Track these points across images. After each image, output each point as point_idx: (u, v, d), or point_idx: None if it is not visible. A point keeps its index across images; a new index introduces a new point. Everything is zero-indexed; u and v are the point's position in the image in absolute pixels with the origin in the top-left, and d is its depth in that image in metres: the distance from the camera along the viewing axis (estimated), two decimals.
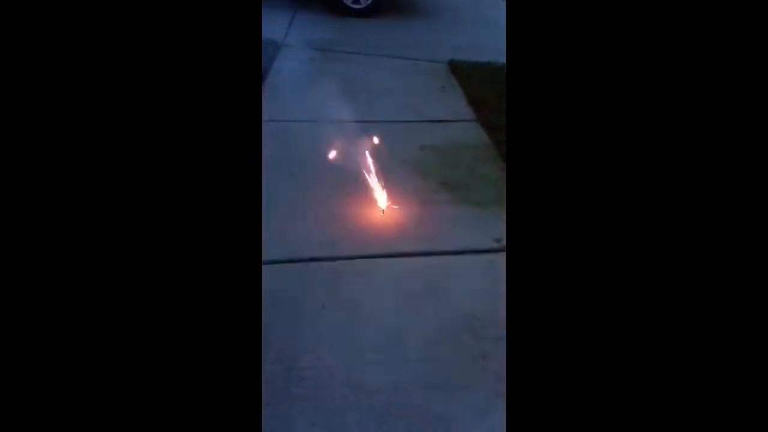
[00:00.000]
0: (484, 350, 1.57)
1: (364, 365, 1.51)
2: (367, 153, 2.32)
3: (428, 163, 2.56)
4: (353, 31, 4.56)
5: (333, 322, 1.64)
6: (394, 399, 1.42)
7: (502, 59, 3.23)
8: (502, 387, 1.41)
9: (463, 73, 3.66)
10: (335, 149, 2.44)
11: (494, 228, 2.06)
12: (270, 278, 1.39)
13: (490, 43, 3.95)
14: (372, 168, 2.26)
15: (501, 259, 1.92)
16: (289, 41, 4.09)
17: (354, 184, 2.27)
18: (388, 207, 2.18)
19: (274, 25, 4.19)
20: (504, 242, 1.97)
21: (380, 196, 2.19)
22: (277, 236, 1.86)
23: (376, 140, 2.50)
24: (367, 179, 2.25)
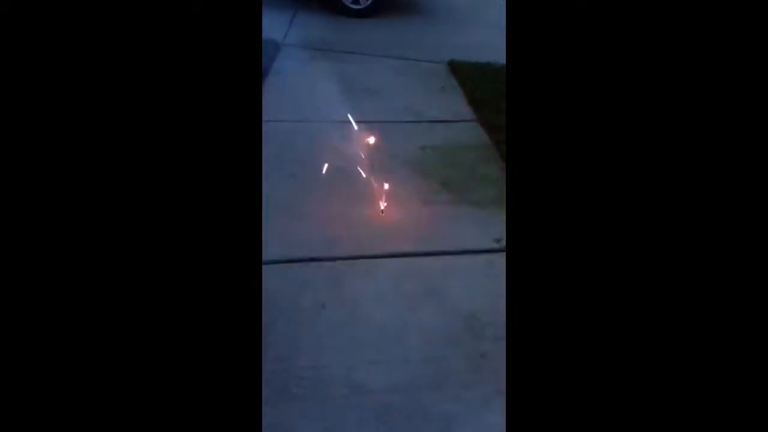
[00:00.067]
0: (483, 350, 1.57)
1: (363, 365, 1.51)
2: (367, 153, 2.32)
3: (428, 163, 2.56)
4: (353, 31, 4.57)
5: (333, 322, 1.64)
6: (394, 399, 1.42)
7: (502, 59, 3.23)
8: (502, 386, 1.42)
9: (463, 73, 3.66)
10: (335, 149, 2.44)
11: (494, 228, 2.06)
12: (270, 278, 1.39)
13: (490, 43, 3.95)
14: (372, 168, 2.26)
15: (501, 259, 1.92)
16: (289, 41, 4.09)
17: (354, 184, 2.27)
18: (387, 207, 2.18)
19: (274, 25, 4.19)
20: (504, 242, 1.97)
21: (380, 196, 2.19)
22: (276, 236, 1.86)
23: (376, 140, 2.50)
24: (366, 179, 2.25)
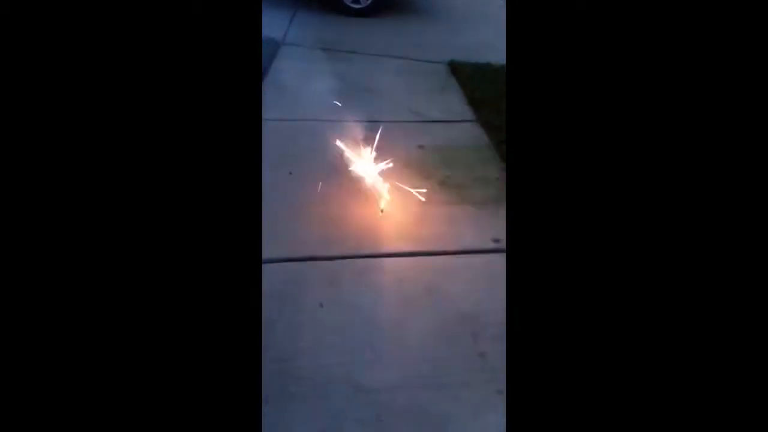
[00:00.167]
0: (483, 350, 1.57)
1: (363, 365, 1.51)
2: (366, 153, 2.32)
3: (428, 163, 2.56)
4: (353, 30, 4.56)
5: (332, 322, 1.64)
6: (394, 399, 1.42)
7: (502, 59, 3.23)
8: (502, 386, 1.42)
9: (463, 73, 3.66)
10: (335, 149, 2.44)
11: (494, 228, 2.06)
12: (269, 277, 1.39)
13: (490, 43, 3.96)
14: (371, 168, 2.26)
15: (501, 259, 1.92)
16: (289, 40, 4.09)
17: (353, 184, 2.26)
18: (387, 206, 2.17)
19: (274, 24, 4.20)
20: (504, 242, 1.97)
21: (379, 195, 2.19)
22: (275, 235, 1.85)
23: (376, 140, 2.50)
24: (366, 179, 2.24)
